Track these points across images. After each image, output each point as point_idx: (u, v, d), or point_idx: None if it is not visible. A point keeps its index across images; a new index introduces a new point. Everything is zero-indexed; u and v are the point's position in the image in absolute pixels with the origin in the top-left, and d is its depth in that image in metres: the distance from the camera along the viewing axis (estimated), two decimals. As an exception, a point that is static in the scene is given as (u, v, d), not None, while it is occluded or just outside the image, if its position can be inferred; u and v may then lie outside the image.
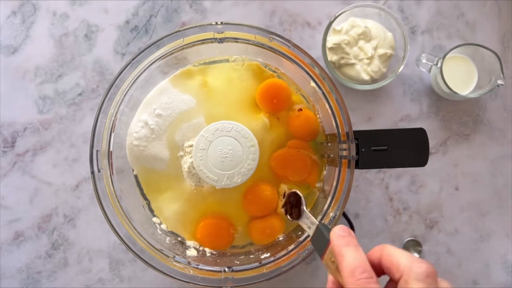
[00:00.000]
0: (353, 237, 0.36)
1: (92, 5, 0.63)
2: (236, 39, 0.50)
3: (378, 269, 0.35)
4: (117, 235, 0.48)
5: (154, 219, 0.54)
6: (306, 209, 0.44)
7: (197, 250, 0.53)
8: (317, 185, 0.55)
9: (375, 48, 0.61)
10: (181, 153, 0.53)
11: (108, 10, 0.63)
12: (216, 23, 0.49)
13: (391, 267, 0.33)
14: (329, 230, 0.38)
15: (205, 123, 0.52)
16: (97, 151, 0.49)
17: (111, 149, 0.50)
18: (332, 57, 0.61)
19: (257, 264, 0.50)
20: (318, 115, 0.54)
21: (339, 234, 0.36)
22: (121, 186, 0.51)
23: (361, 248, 0.35)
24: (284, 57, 0.50)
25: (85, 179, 0.63)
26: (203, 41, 0.50)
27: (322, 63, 0.61)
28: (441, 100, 0.64)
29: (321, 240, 0.39)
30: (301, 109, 0.53)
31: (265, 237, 0.54)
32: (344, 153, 0.48)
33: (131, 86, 0.50)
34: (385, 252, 0.34)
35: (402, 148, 0.48)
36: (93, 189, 0.49)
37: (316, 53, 0.63)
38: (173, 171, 0.53)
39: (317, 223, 0.41)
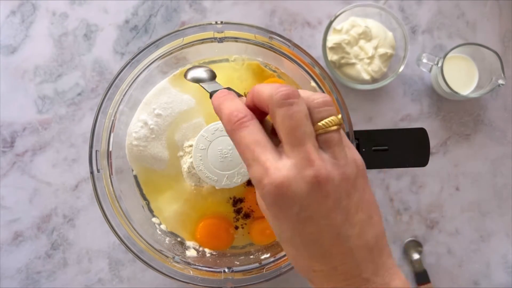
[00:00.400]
0: (231, 93, 0.35)
1: (92, 5, 0.63)
2: (236, 39, 0.50)
3: (259, 113, 0.33)
4: (116, 236, 0.48)
5: (154, 219, 0.54)
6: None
7: (197, 250, 0.53)
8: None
9: (376, 48, 0.60)
10: (181, 153, 0.53)
11: (108, 9, 0.63)
12: (216, 22, 0.49)
13: (260, 103, 0.32)
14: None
15: (204, 123, 0.52)
16: (96, 151, 0.49)
17: (110, 149, 0.50)
18: (332, 56, 0.61)
19: (257, 264, 0.50)
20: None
21: (216, 96, 0.35)
22: (120, 186, 0.51)
23: (239, 100, 0.34)
24: (284, 57, 0.50)
25: (85, 179, 0.62)
26: (203, 41, 0.50)
27: (322, 62, 0.61)
28: (442, 100, 0.64)
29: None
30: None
31: (265, 237, 0.54)
32: (345, 153, 0.48)
33: (130, 86, 0.50)
34: (254, 92, 0.33)
35: (403, 148, 0.48)
36: (93, 189, 0.48)
37: (316, 52, 0.63)
38: (172, 171, 0.53)
39: (209, 92, 0.39)
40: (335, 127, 0.31)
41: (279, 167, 0.29)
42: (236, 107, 0.32)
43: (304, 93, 0.32)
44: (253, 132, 0.31)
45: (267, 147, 0.30)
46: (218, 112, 0.34)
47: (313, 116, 0.31)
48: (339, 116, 0.31)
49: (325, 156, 0.30)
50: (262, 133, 0.31)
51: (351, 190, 0.30)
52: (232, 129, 0.31)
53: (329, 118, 0.31)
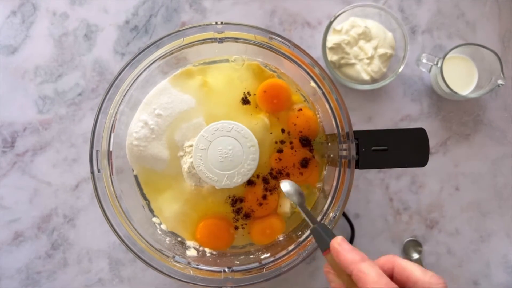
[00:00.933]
0: (356, 249, 0.38)
1: (92, 5, 0.63)
2: (236, 39, 0.50)
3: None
4: (117, 235, 0.48)
5: (154, 219, 0.54)
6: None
7: (197, 250, 0.53)
8: (317, 185, 0.55)
9: (375, 48, 0.60)
10: (181, 153, 0.53)
11: (108, 10, 0.63)
12: (216, 23, 0.49)
13: (407, 282, 0.35)
14: (327, 233, 0.41)
15: (205, 123, 0.52)
16: (97, 151, 0.49)
17: (111, 149, 0.50)
18: (332, 57, 0.61)
19: (257, 264, 0.50)
20: (318, 115, 0.54)
21: (344, 248, 0.37)
22: (121, 186, 0.51)
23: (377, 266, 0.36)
24: (284, 57, 0.50)
25: (85, 179, 0.62)
26: (203, 41, 0.50)
27: (322, 63, 0.61)
28: (442, 100, 0.64)
29: (321, 241, 0.40)
30: (301, 109, 0.53)
31: (265, 237, 0.54)
32: (344, 153, 0.48)
33: (131, 86, 0.50)
34: (397, 265, 0.36)
35: (403, 148, 0.48)
36: (93, 189, 0.48)
37: (316, 53, 0.63)
38: (173, 171, 0.53)
39: (311, 225, 0.43)
40: None
41: None
42: (384, 280, 0.34)
43: None
44: None
45: None
46: (358, 271, 0.35)
47: None
48: None
49: None
50: None
51: None
52: None
53: None
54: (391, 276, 0.36)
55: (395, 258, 0.36)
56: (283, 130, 0.53)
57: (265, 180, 0.53)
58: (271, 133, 0.53)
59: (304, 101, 0.55)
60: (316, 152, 0.54)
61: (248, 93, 0.53)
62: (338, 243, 0.39)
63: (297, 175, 0.53)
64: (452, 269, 0.65)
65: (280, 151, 0.53)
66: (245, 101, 0.53)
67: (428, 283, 0.34)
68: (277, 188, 0.53)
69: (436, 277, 0.34)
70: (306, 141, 0.53)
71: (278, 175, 0.53)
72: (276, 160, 0.52)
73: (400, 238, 0.64)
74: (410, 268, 0.35)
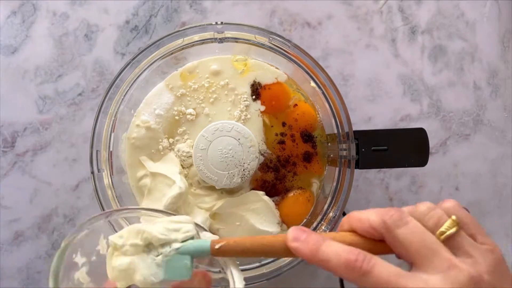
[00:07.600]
0: (310, 232, 0.32)
1: (92, 5, 0.63)
2: (236, 39, 0.50)
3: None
4: (117, 235, 0.48)
5: (154, 219, 0.54)
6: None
7: (197, 250, 0.53)
8: (317, 183, 0.55)
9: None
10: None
11: (108, 10, 0.63)
12: (216, 23, 0.49)
13: (368, 233, 0.32)
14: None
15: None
16: (97, 150, 0.49)
17: (111, 149, 0.50)
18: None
19: (257, 264, 0.50)
20: (318, 115, 0.54)
21: (296, 238, 0.32)
22: (121, 186, 0.51)
23: (332, 240, 0.31)
24: (284, 57, 0.50)
25: (85, 179, 0.62)
26: (203, 41, 0.50)
27: (322, 63, 0.61)
28: (442, 100, 0.64)
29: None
30: (296, 105, 0.53)
31: (294, 218, 0.53)
32: (344, 153, 0.48)
33: (131, 86, 0.50)
34: (353, 222, 0.32)
35: (402, 148, 0.48)
36: (93, 189, 0.48)
37: (316, 53, 0.63)
38: (173, 171, 0.53)
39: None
40: (454, 230, 0.30)
41: (431, 286, 0.28)
42: (347, 250, 0.30)
43: (406, 209, 0.32)
44: (385, 265, 0.29)
45: (405, 273, 0.29)
46: (320, 260, 0.30)
47: (427, 226, 0.31)
48: (453, 217, 0.31)
49: (462, 259, 0.30)
50: (389, 263, 0.30)
51: (500, 280, 0.30)
52: (361, 275, 0.29)
53: (446, 225, 0.30)
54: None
55: (348, 215, 0.32)
56: (284, 124, 0.53)
57: (276, 169, 0.52)
58: (272, 126, 0.53)
59: (305, 102, 0.55)
60: (317, 148, 0.54)
61: (259, 83, 0.53)
62: (289, 240, 0.32)
63: (302, 167, 0.53)
64: (452, 269, 0.64)
65: (281, 142, 0.53)
66: (254, 91, 0.53)
67: (382, 225, 0.30)
68: (286, 176, 0.53)
69: (385, 213, 0.30)
70: (307, 137, 0.53)
71: (286, 163, 0.53)
72: (280, 149, 0.53)
73: (400, 238, 0.64)
74: (362, 218, 0.32)
